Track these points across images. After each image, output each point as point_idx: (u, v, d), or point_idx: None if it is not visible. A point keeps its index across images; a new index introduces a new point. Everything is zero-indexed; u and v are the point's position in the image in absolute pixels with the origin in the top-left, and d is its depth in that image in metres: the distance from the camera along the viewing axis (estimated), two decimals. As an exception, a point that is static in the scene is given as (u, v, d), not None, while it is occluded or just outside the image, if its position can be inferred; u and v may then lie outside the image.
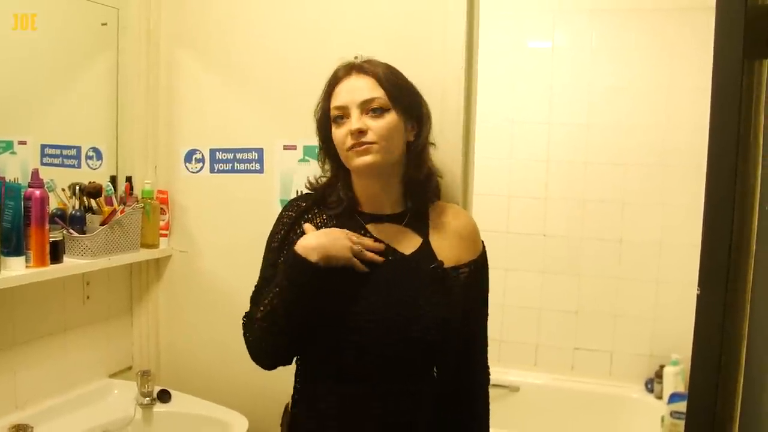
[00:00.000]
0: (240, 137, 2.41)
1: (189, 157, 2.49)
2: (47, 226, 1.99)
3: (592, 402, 3.82)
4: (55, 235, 2.07)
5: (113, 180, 2.44)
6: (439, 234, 1.68)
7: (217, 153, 2.45)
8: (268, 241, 1.70)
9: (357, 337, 1.54)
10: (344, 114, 1.58)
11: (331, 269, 1.51)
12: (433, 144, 1.75)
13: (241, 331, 1.68)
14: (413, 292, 1.58)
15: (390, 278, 1.58)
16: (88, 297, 2.36)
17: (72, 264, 2.14)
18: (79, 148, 2.37)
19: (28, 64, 2.21)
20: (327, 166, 1.74)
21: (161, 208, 2.49)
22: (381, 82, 1.59)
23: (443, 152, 2.23)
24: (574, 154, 3.93)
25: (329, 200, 1.68)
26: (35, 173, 1.98)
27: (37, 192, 1.95)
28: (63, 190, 2.21)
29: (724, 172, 1.20)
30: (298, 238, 1.55)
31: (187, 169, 2.50)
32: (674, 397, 3.39)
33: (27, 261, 1.95)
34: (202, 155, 2.47)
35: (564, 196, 3.96)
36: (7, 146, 2.13)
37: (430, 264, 1.61)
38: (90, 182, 2.26)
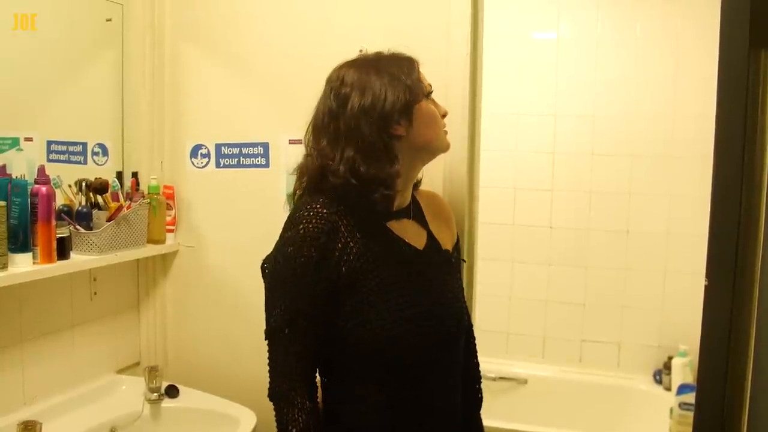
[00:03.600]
0: (245, 132, 2.42)
1: (195, 152, 2.49)
2: (54, 223, 1.99)
3: (600, 394, 3.81)
4: (62, 232, 2.08)
5: (119, 176, 2.44)
6: (433, 222, 1.69)
7: (223, 148, 2.45)
8: (290, 271, 1.48)
9: (418, 344, 1.52)
10: (428, 90, 1.62)
11: (370, 282, 1.48)
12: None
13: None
14: (447, 284, 1.63)
15: (427, 276, 1.59)
16: (95, 293, 2.37)
17: (79, 260, 2.15)
18: (85, 144, 2.37)
19: (34, 60, 2.21)
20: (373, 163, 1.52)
21: (167, 204, 2.50)
22: None
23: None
24: (580, 146, 3.91)
25: (373, 197, 1.51)
26: (41, 170, 1.98)
27: (44, 188, 1.95)
28: (69, 186, 2.21)
29: (731, 161, 1.19)
30: (339, 251, 1.47)
31: (193, 164, 2.50)
32: (683, 389, 3.38)
33: (34, 257, 1.95)
34: (208, 150, 2.47)
35: (570, 188, 3.95)
36: (14, 143, 2.13)
37: (441, 255, 1.65)
38: (96, 178, 2.26)
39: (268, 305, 1.51)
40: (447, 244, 1.69)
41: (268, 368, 1.51)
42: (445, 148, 1.64)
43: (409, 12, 2.19)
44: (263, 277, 1.55)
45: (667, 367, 3.71)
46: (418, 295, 1.53)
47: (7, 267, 1.86)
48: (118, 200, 2.29)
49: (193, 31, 2.49)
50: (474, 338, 1.83)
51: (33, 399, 2.12)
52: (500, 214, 4.00)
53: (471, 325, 1.79)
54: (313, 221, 1.47)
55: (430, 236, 1.65)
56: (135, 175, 2.45)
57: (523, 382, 3.95)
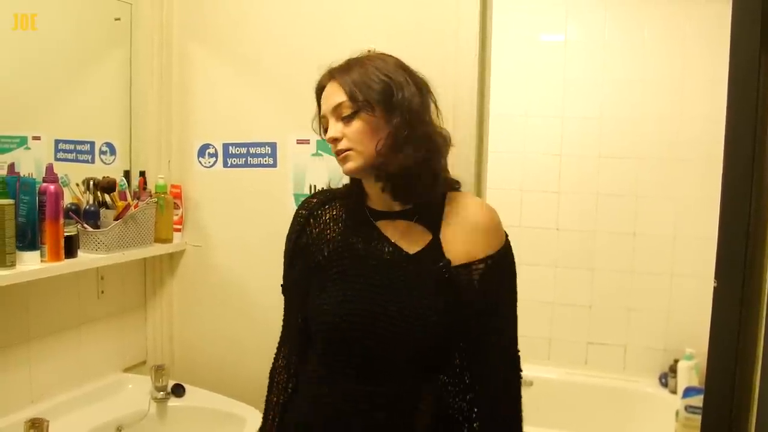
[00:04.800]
0: (253, 131, 2.42)
1: (202, 151, 2.49)
2: (62, 221, 2.00)
3: (606, 396, 3.81)
4: (70, 230, 2.08)
5: (127, 175, 2.44)
6: (453, 228, 1.56)
7: (230, 147, 2.45)
8: (285, 246, 1.68)
9: (349, 337, 1.49)
10: (324, 124, 1.56)
11: (331, 269, 1.55)
12: (438, 121, 1.62)
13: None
14: (414, 294, 1.49)
15: (390, 279, 1.51)
16: (102, 291, 2.37)
17: (86, 258, 2.15)
18: (92, 143, 2.37)
19: (43, 59, 2.22)
20: None
21: (175, 203, 2.50)
22: (342, 85, 1.50)
23: (456, 146, 2.23)
24: (588, 148, 3.91)
25: (341, 193, 1.66)
26: (49, 168, 1.99)
27: (52, 187, 1.95)
28: (77, 185, 2.21)
29: (741, 163, 1.19)
30: (311, 239, 1.60)
31: (201, 163, 2.50)
32: (689, 392, 3.38)
33: (42, 255, 1.95)
34: (216, 150, 2.47)
35: (577, 190, 3.95)
36: (22, 142, 2.13)
37: (435, 263, 1.52)
38: (104, 177, 2.27)
39: None
40: (462, 255, 1.53)
41: None
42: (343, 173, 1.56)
43: (418, 13, 2.19)
44: None
45: (673, 369, 3.70)
46: (375, 294, 1.49)
47: (15, 265, 1.86)
48: (125, 199, 2.29)
49: (201, 30, 2.49)
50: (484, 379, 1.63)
51: (40, 397, 2.12)
52: (507, 215, 3.92)
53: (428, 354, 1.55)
54: (301, 207, 1.66)
55: (434, 242, 1.55)
56: (142, 174, 2.46)
57: (529, 384, 3.93)
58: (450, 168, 2.24)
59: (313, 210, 1.63)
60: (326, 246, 1.58)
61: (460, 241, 1.55)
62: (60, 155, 2.26)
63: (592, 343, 3.98)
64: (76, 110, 2.35)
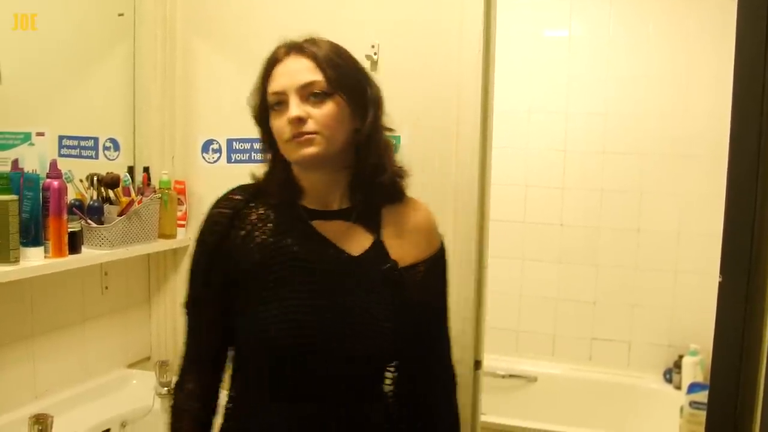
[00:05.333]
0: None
1: (206, 147, 2.49)
2: (65, 217, 2.00)
3: (610, 392, 3.80)
4: (74, 226, 2.08)
5: (131, 170, 2.44)
6: (394, 230, 1.48)
7: (234, 143, 2.45)
8: (196, 245, 1.48)
9: (297, 354, 1.35)
10: (282, 100, 1.38)
11: (266, 277, 1.37)
12: (390, 129, 1.51)
13: None
14: (362, 299, 1.40)
15: (336, 285, 1.40)
16: (106, 287, 2.37)
17: (90, 254, 2.16)
18: (96, 139, 2.37)
19: (46, 56, 2.22)
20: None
21: (179, 199, 2.50)
22: (320, 63, 1.37)
23: (460, 142, 2.23)
24: (592, 144, 3.90)
25: (269, 188, 1.46)
26: (53, 164, 1.99)
27: (56, 183, 1.95)
28: (81, 180, 2.21)
29: (746, 159, 1.19)
30: (236, 243, 1.41)
31: (204, 159, 2.50)
32: (693, 387, 3.37)
33: (46, 251, 1.96)
34: (219, 145, 2.47)
35: (581, 186, 3.94)
36: (26, 138, 2.13)
37: (381, 265, 1.43)
38: (107, 173, 2.27)
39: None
40: (401, 255, 1.46)
41: None
42: (295, 162, 1.41)
43: (422, 9, 2.19)
44: None
45: (678, 365, 3.70)
46: (321, 301, 1.37)
47: (18, 261, 1.87)
48: (129, 195, 2.29)
49: (204, 25, 2.49)
50: (420, 373, 1.54)
51: (44, 393, 2.13)
52: (511, 211, 4.00)
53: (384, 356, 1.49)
54: (220, 205, 1.48)
55: (377, 244, 1.46)
56: (146, 169, 2.46)
57: (533, 379, 3.94)
58: (455, 164, 2.25)
59: (238, 209, 1.45)
60: (256, 251, 1.39)
61: (403, 243, 1.48)
62: (64, 151, 2.26)
63: (597, 339, 3.97)
64: (79, 106, 2.35)
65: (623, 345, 3.93)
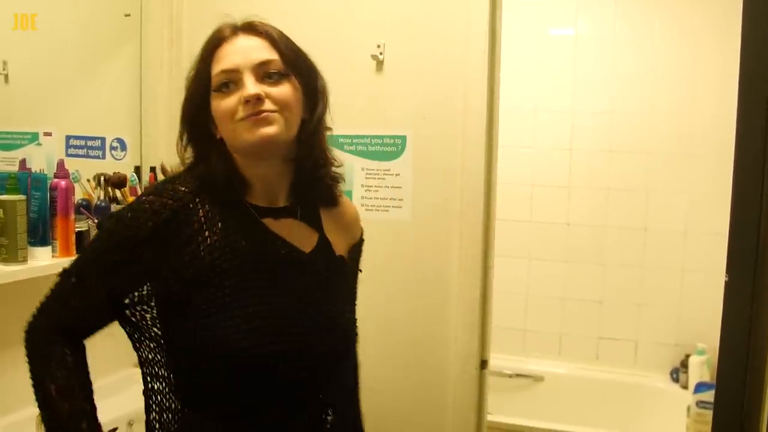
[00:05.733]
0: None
1: (212, 147, 2.50)
2: (73, 217, 2.01)
3: (617, 392, 3.80)
4: (81, 226, 2.08)
5: (137, 170, 2.45)
6: (331, 225, 1.45)
7: (240, 143, 2.45)
8: (115, 227, 1.28)
9: (271, 360, 1.24)
10: (233, 79, 1.27)
11: (220, 282, 1.24)
12: (329, 129, 1.42)
13: None
14: (325, 295, 1.36)
15: (298, 284, 1.33)
16: (113, 287, 2.38)
17: (97, 254, 2.16)
18: (103, 139, 2.38)
19: (54, 56, 2.23)
20: (189, 154, 1.37)
21: (185, 198, 2.50)
22: (275, 43, 1.32)
23: (466, 141, 2.23)
24: (598, 142, 3.90)
25: (215, 183, 1.29)
26: (60, 164, 2.00)
27: (63, 183, 1.96)
28: (88, 180, 2.22)
29: (752, 157, 1.19)
30: (185, 238, 1.25)
31: (211, 159, 2.50)
32: (700, 387, 3.37)
33: (53, 251, 1.97)
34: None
35: (588, 185, 3.94)
36: (33, 138, 2.14)
37: (331, 261, 1.40)
38: (114, 173, 2.27)
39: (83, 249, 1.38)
40: (341, 249, 1.45)
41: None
42: (249, 145, 1.26)
43: (428, 9, 2.19)
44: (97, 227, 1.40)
45: (685, 365, 3.69)
46: (286, 302, 1.29)
47: (26, 260, 1.88)
48: (136, 194, 2.29)
49: (211, 24, 2.47)
50: (356, 363, 1.52)
51: (52, 392, 2.13)
52: (517, 210, 3.99)
53: (355, 344, 1.47)
54: (161, 194, 1.27)
55: (323, 240, 1.41)
56: (153, 169, 2.46)
57: (540, 379, 3.94)
58: (460, 163, 2.25)
59: (185, 203, 1.27)
60: (206, 252, 1.25)
61: (339, 236, 1.47)
62: (71, 151, 2.27)
63: (603, 338, 3.97)
64: (87, 106, 2.36)
65: (630, 344, 3.92)
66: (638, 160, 3.83)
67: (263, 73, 1.27)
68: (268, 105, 1.24)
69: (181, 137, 1.37)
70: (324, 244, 1.41)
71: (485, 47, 2.15)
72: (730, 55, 1.25)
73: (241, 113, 1.24)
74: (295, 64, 1.31)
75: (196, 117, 1.33)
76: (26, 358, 1.35)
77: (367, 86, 2.33)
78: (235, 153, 1.31)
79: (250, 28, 1.36)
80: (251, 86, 1.24)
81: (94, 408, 1.36)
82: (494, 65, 2.20)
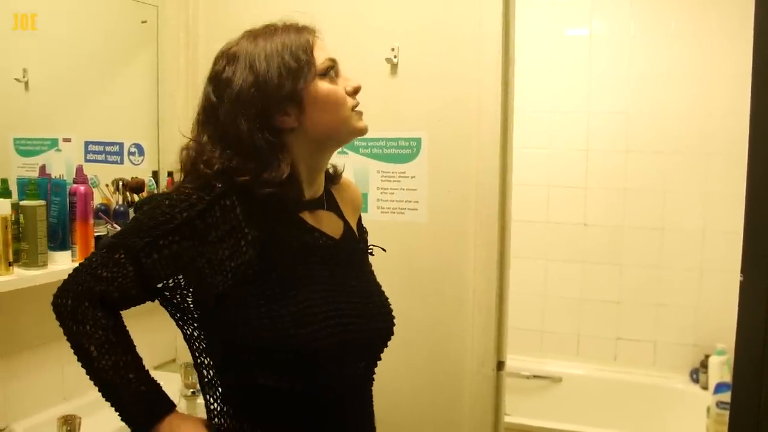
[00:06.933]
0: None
1: (229, 151, 2.51)
2: (92, 221, 2.03)
3: (636, 393, 3.78)
4: (100, 230, 2.11)
5: (155, 175, 2.47)
6: (343, 205, 1.49)
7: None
8: (146, 214, 1.29)
9: (334, 351, 1.27)
10: (336, 69, 1.37)
11: (268, 275, 1.25)
12: None
13: None
14: (366, 279, 1.45)
15: (346, 271, 1.38)
16: (132, 291, 2.40)
17: (116, 258, 2.18)
18: (121, 145, 2.40)
19: (72, 63, 2.26)
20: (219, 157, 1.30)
21: (202, 203, 2.52)
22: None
23: (481, 143, 2.23)
24: (614, 143, 3.88)
25: (284, 192, 1.29)
26: (80, 169, 2.02)
27: (82, 188, 1.98)
28: (107, 185, 2.25)
29: (766, 156, 1.19)
30: (219, 232, 1.24)
31: (227, 163, 2.52)
32: (720, 387, 3.35)
33: (73, 255, 1.99)
34: (242, 149, 2.49)
35: (604, 185, 3.92)
36: (53, 144, 2.17)
37: (356, 246, 1.46)
38: (132, 178, 2.30)
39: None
40: (355, 228, 1.51)
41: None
42: (356, 131, 1.34)
43: (441, 10, 2.20)
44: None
45: (704, 365, 3.67)
46: (337, 290, 1.33)
47: (47, 265, 1.90)
48: (154, 199, 2.32)
49: (226, 30, 2.48)
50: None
51: (72, 394, 2.16)
52: (533, 211, 3.98)
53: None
54: (202, 190, 1.26)
55: (347, 226, 1.45)
56: (170, 174, 2.48)
57: (558, 380, 3.93)
58: (476, 165, 2.25)
59: (221, 198, 1.26)
60: (248, 246, 1.25)
61: (350, 212, 1.51)
62: (90, 156, 2.29)
63: (621, 338, 3.95)
64: (105, 112, 2.39)
65: (648, 345, 3.90)
66: (654, 159, 3.81)
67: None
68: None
69: (221, 140, 1.33)
70: (348, 230, 1.45)
71: (499, 48, 2.15)
72: (745, 54, 1.24)
73: (352, 101, 1.33)
74: None
75: (271, 110, 1.30)
76: (60, 325, 1.38)
77: (382, 89, 2.34)
78: (315, 142, 1.34)
79: (314, 32, 1.46)
80: (355, 78, 1.35)
81: (139, 358, 1.41)
82: (508, 66, 2.21)
